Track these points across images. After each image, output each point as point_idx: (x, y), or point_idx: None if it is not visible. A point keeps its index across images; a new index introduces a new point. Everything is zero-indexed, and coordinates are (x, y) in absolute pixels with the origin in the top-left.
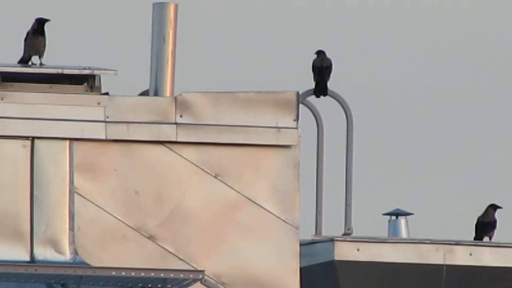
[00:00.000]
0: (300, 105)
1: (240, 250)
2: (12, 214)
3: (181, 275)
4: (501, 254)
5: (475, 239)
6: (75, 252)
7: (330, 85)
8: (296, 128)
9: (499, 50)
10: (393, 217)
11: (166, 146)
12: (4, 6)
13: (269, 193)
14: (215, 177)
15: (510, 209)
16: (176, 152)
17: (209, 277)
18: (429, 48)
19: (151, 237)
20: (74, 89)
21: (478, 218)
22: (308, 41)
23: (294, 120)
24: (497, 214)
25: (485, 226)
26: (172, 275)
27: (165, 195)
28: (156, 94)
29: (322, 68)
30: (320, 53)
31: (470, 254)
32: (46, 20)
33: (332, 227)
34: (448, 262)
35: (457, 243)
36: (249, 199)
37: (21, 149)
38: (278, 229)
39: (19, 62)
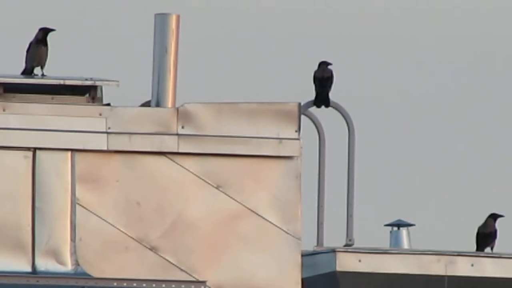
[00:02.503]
0: (302, 116)
1: (242, 261)
2: (13, 225)
3: (183, 286)
4: (503, 265)
5: (477, 250)
6: (76, 263)
7: (331, 95)
8: (298, 139)
9: (503, 57)
10: (395, 228)
11: (168, 157)
12: (6, 17)
13: (271, 204)
14: (216, 188)
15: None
16: (178, 163)
17: None
18: (432, 57)
19: (152, 248)
20: (76, 100)
21: (478, 229)
22: (309, 52)
23: (296, 131)
24: (499, 225)
25: (485, 237)
26: (173, 286)
27: (166, 206)
28: (158, 105)
29: (323, 79)
30: (322, 64)
31: (472, 265)
32: (50, 30)
33: (333, 238)
34: (449, 273)
35: (459, 254)
36: (250, 210)
37: (22, 160)
38: (280, 240)
39: (22, 73)
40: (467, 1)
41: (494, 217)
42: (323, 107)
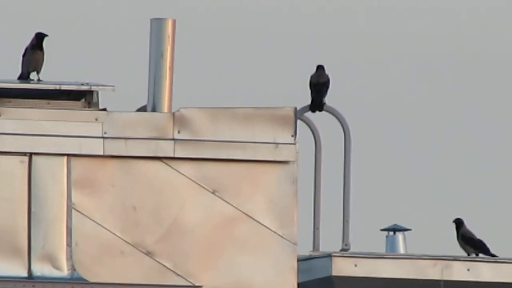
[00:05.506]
0: (298, 121)
1: (238, 266)
2: (9, 230)
3: None
4: (499, 269)
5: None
6: (72, 268)
7: (327, 99)
8: (294, 143)
9: (498, 57)
10: (391, 233)
11: (164, 162)
12: (1, 21)
13: (267, 209)
14: (212, 192)
15: (509, 225)
16: (173, 168)
17: None
18: (429, 61)
19: (148, 253)
20: (72, 105)
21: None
22: (306, 56)
23: (292, 136)
24: (498, 230)
25: (473, 243)
26: None
27: (162, 211)
28: (154, 109)
29: (318, 84)
30: (319, 68)
31: (468, 270)
32: (45, 35)
33: (329, 242)
34: (445, 278)
35: (455, 259)
36: (246, 214)
37: (18, 165)
38: (276, 244)
39: (19, 78)
40: (466, 1)
41: (461, 221)
42: (317, 111)
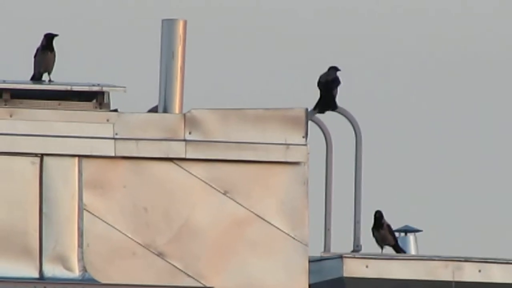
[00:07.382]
0: (309, 122)
1: (249, 267)
2: (21, 231)
3: None
4: (510, 270)
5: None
6: (84, 269)
7: (338, 101)
8: (305, 144)
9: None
10: (402, 234)
11: (175, 163)
12: (13, 22)
13: (278, 210)
14: (224, 194)
15: None
16: (185, 169)
17: None
18: (441, 63)
19: (160, 254)
20: (83, 106)
21: (372, 230)
22: (317, 57)
23: (303, 137)
24: (507, 230)
25: (382, 238)
26: None
27: (174, 212)
28: (165, 111)
29: (327, 82)
30: (331, 69)
31: (479, 271)
32: (54, 35)
33: (341, 243)
34: (457, 279)
35: (466, 260)
36: (258, 215)
37: (30, 166)
38: (287, 245)
39: (31, 79)
40: (466, 1)
41: (380, 214)
42: (328, 110)
